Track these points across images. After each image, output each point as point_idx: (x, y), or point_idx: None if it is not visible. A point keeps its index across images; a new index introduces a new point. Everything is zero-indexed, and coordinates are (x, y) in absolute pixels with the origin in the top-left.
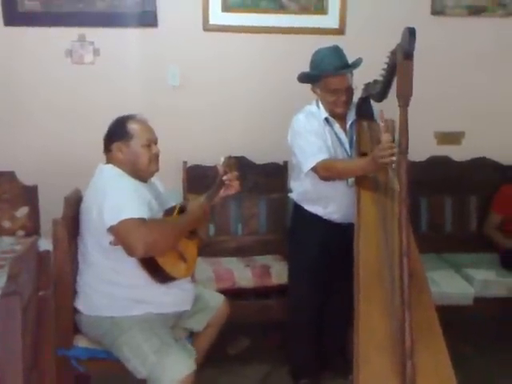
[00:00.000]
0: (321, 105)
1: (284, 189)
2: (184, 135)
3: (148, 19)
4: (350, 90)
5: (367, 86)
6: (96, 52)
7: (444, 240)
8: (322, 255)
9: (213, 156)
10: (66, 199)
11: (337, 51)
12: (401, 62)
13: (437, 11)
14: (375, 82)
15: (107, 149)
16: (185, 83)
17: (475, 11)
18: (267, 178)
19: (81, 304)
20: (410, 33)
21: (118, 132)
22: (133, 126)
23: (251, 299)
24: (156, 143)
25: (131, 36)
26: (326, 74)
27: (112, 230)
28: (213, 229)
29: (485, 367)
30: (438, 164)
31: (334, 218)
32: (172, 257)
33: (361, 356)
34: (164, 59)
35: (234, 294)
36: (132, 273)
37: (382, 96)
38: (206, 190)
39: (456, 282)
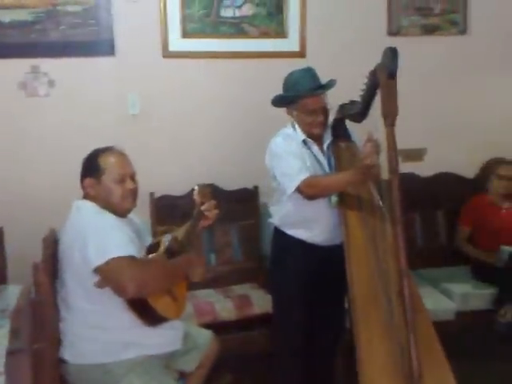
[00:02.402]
0: (297, 127)
1: (256, 214)
2: (148, 165)
3: (105, 48)
4: (325, 111)
5: (342, 107)
6: (51, 83)
7: (416, 256)
8: (309, 280)
9: (180, 185)
10: (44, 240)
11: (310, 72)
12: (385, 81)
13: (393, 32)
14: (352, 102)
15: (81, 185)
16: (146, 111)
17: (429, 30)
18: (238, 204)
19: (66, 353)
20: (393, 53)
21: (88, 167)
22: (105, 161)
23: (233, 332)
24: (133, 178)
25: (88, 66)
26: (303, 95)
27: (99, 270)
28: None
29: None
30: (403, 181)
31: (319, 242)
32: (162, 296)
33: (365, 380)
34: (123, 88)
35: (215, 328)
36: (119, 315)
37: (362, 116)
38: (175, 222)
39: (436, 298)
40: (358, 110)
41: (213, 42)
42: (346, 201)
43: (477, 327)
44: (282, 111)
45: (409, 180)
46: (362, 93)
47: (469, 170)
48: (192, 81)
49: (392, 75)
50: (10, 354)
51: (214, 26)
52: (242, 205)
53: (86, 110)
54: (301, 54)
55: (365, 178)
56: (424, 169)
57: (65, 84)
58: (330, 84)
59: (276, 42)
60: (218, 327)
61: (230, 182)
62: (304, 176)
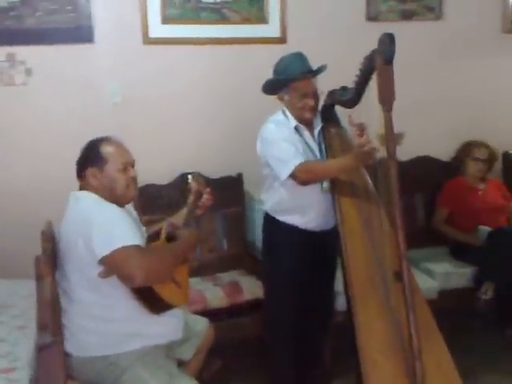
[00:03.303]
0: (288, 114)
1: (241, 201)
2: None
3: (84, 35)
4: (316, 95)
5: (332, 93)
6: (28, 72)
7: None
8: (301, 267)
9: (164, 174)
10: (42, 234)
11: (301, 57)
12: (382, 67)
13: (371, 17)
14: (343, 88)
15: (81, 175)
16: (127, 99)
17: (407, 16)
18: (222, 192)
19: (69, 346)
20: (390, 39)
21: (90, 157)
22: (107, 150)
23: (224, 319)
24: (133, 166)
25: (66, 53)
26: (294, 77)
27: (105, 260)
28: None
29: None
30: (383, 165)
31: (311, 227)
32: (167, 284)
33: (367, 361)
34: (103, 75)
35: (205, 316)
36: (123, 306)
37: (355, 102)
38: (160, 211)
39: (419, 278)
40: (351, 96)
41: (193, 28)
42: (338, 186)
43: (458, 305)
44: (264, 97)
45: (379, 165)
46: (355, 78)
47: (445, 154)
48: (173, 67)
49: (389, 61)
50: (43, 348)
51: (195, 12)
52: (227, 192)
53: (65, 98)
54: (282, 40)
55: (361, 165)
56: (402, 153)
57: (43, 72)
58: (321, 68)
59: (257, 27)
60: (208, 315)
61: (214, 169)
62: (299, 161)
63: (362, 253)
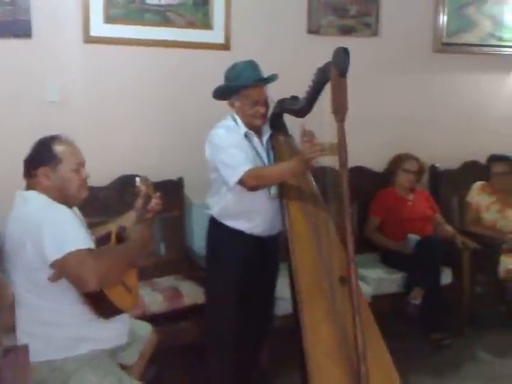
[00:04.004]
0: (238, 120)
1: (180, 206)
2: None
3: (21, 29)
4: (267, 103)
5: (282, 101)
6: None
7: None
8: (246, 271)
9: (101, 176)
10: None
11: (254, 65)
12: (336, 79)
13: (312, 30)
14: (293, 98)
15: (30, 174)
16: (65, 99)
17: (345, 31)
18: (162, 196)
19: None
20: (345, 52)
21: (43, 155)
22: (60, 149)
23: (163, 324)
24: (84, 166)
25: (3, 47)
26: (247, 85)
27: (57, 264)
28: None
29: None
30: (319, 173)
31: (257, 232)
32: (118, 288)
33: (314, 364)
34: (40, 73)
35: (145, 321)
36: (71, 310)
37: (306, 112)
38: (97, 214)
39: None
40: (302, 106)
41: (136, 29)
42: (286, 192)
43: (390, 309)
44: (206, 103)
45: (326, 174)
46: (308, 89)
47: (378, 165)
48: (114, 68)
49: (343, 73)
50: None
51: (139, 13)
52: (166, 196)
53: (0, 94)
54: (225, 47)
55: (306, 169)
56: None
57: None
58: (273, 77)
59: (201, 33)
60: (147, 320)
61: (154, 173)
62: (247, 167)
63: (310, 257)
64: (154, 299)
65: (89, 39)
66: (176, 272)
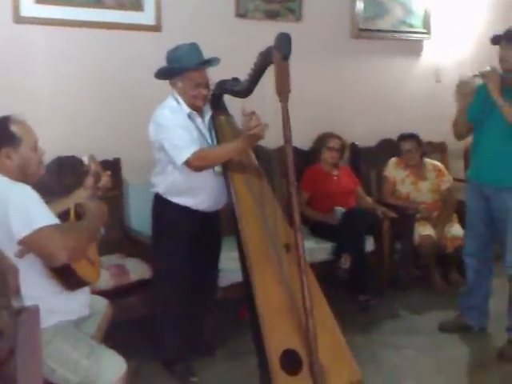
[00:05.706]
0: (181, 100)
1: (118, 186)
2: None
3: None
4: (208, 85)
5: (222, 83)
6: None
7: None
8: (191, 246)
9: None
10: None
11: (197, 48)
12: (279, 62)
13: (240, 14)
14: (234, 79)
15: None
16: None
17: (271, 16)
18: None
19: None
20: (288, 38)
21: (2, 137)
22: (17, 129)
23: (112, 300)
24: (38, 143)
25: None
26: (190, 67)
27: (25, 240)
28: None
29: None
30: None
31: (203, 208)
32: (82, 261)
33: (266, 324)
34: None
35: None
36: (36, 284)
37: (248, 92)
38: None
39: None
40: (244, 87)
41: (68, 10)
42: (230, 168)
43: (322, 275)
44: (139, 84)
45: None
46: (250, 71)
47: (304, 143)
48: (45, 49)
49: (286, 57)
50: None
51: None
52: None
53: None
54: (156, 28)
55: (251, 146)
56: (268, 143)
57: None
58: (215, 60)
59: (132, 14)
60: None
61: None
62: (194, 149)
63: (257, 228)
64: (101, 276)
65: (19, 20)
66: (118, 251)
